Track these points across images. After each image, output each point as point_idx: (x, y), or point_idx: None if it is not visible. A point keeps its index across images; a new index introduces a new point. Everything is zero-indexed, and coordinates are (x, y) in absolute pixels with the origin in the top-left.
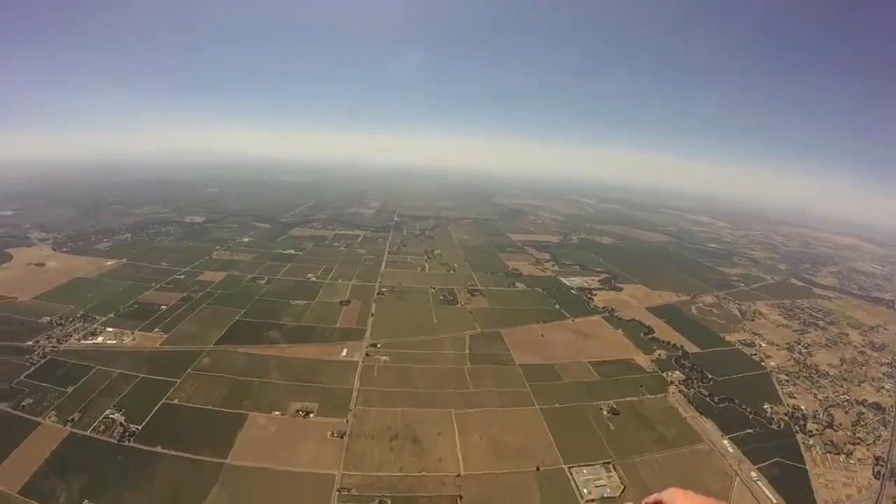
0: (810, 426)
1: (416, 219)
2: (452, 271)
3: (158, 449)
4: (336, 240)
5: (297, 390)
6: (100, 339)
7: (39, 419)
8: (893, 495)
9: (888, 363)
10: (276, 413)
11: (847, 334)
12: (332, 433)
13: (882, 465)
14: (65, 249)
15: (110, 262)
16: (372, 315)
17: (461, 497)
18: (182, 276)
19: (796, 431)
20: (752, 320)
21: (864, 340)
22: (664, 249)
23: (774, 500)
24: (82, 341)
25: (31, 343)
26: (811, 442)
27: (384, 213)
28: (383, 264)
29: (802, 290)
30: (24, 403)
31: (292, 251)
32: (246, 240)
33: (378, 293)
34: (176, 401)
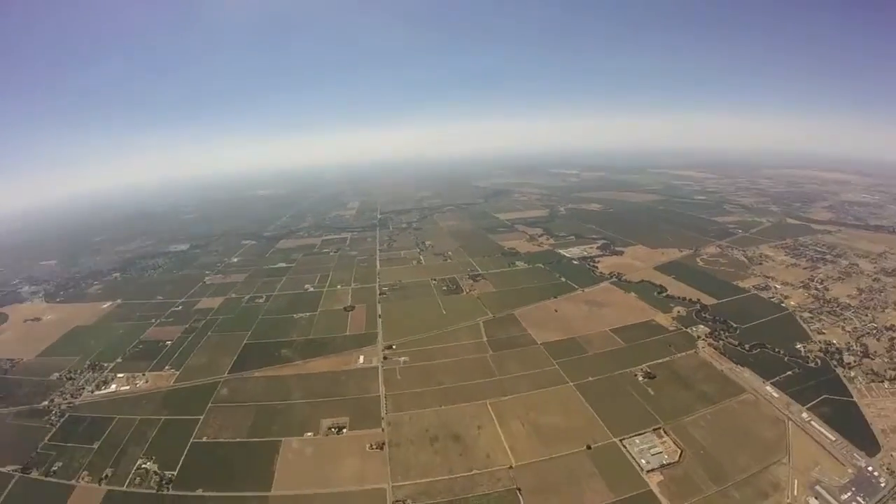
0: (847, 359)
1: (399, 213)
2: (448, 260)
3: (200, 492)
4: (325, 246)
5: (323, 407)
6: (113, 386)
7: (73, 482)
8: None
9: None
10: (309, 434)
11: (857, 264)
12: (371, 445)
13: None
14: (58, 299)
15: (106, 305)
16: (380, 317)
17: (520, 489)
18: (180, 308)
19: (835, 366)
20: (761, 264)
21: (875, 268)
22: (654, 208)
23: (833, 438)
24: (96, 392)
25: (46, 403)
26: (852, 374)
27: (366, 212)
28: (378, 263)
29: (801, 228)
30: (54, 468)
31: (284, 264)
32: (235, 260)
33: (380, 293)
34: (204, 438)
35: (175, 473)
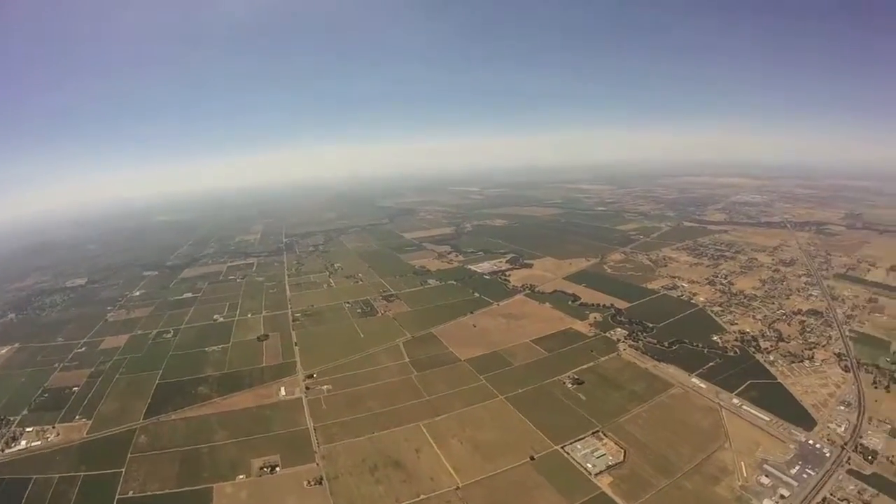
0: (763, 344)
1: (305, 235)
2: (360, 282)
3: None
4: (231, 273)
5: (251, 445)
6: (23, 443)
7: None
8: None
9: (804, 274)
10: (241, 477)
11: (756, 258)
12: (309, 482)
13: (847, 359)
14: None
15: (3, 351)
16: (296, 344)
17: None
18: (83, 349)
19: (753, 352)
20: (665, 266)
21: (773, 260)
22: (557, 221)
23: (767, 418)
24: (6, 451)
25: None
26: (772, 358)
27: (271, 236)
28: (287, 289)
29: (698, 230)
30: None
31: (189, 294)
32: (137, 293)
33: (293, 320)
34: (130, 493)
35: None
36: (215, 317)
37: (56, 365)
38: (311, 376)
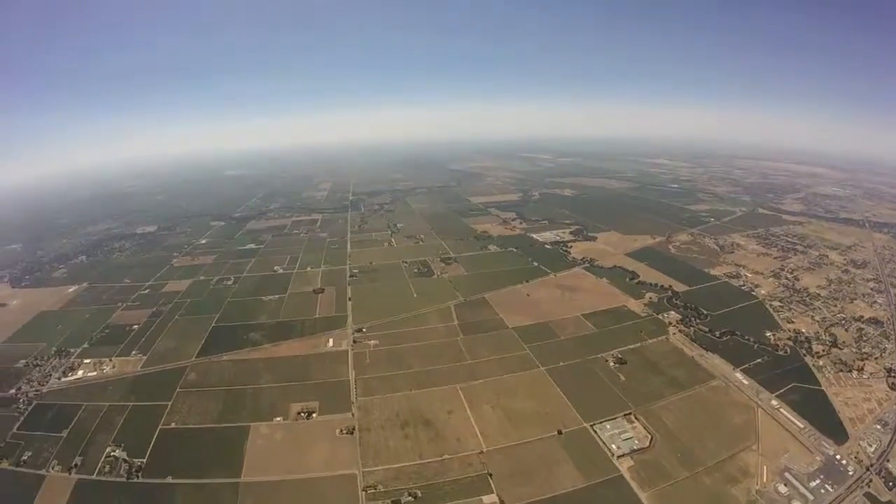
0: (816, 348)
1: (371, 195)
2: (420, 243)
3: (169, 480)
4: (295, 227)
5: (293, 391)
6: (80, 373)
7: (44, 472)
8: None
9: (874, 278)
10: (278, 419)
11: (827, 255)
12: (341, 430)
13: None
14: (24, 284)
15: (72, 289)
16: (349, 299)
17: (491, 475)
18: (147, 291)
19: (804, 355)
20: (732, 252)
21: (844, 260)
22: (627, 195)
23: (801, 425)
24: (63, 379)
25: (13, 391)
26: (821, 363)
27: (337, 194)
28: (349, 245)
29: (772, 219)
30: (24, 458)
31: (253, 245)
32: (203, 241)
33: (350, 276)
34: (173, 424)
35: (144, 461)
36: (276, 268)
37: (120, 304)
38: (359, 330)
